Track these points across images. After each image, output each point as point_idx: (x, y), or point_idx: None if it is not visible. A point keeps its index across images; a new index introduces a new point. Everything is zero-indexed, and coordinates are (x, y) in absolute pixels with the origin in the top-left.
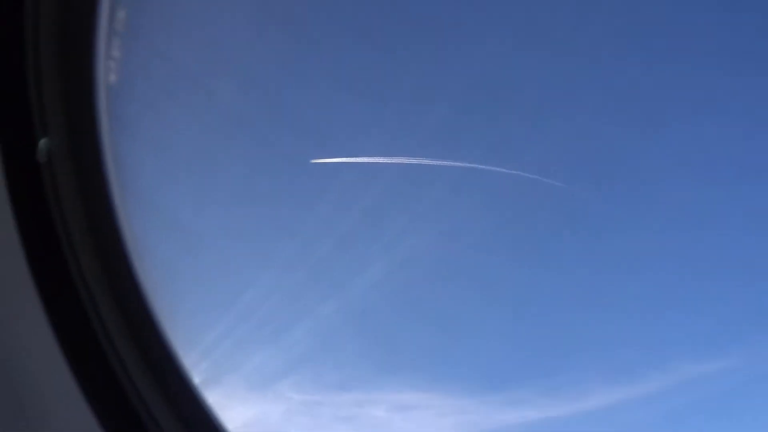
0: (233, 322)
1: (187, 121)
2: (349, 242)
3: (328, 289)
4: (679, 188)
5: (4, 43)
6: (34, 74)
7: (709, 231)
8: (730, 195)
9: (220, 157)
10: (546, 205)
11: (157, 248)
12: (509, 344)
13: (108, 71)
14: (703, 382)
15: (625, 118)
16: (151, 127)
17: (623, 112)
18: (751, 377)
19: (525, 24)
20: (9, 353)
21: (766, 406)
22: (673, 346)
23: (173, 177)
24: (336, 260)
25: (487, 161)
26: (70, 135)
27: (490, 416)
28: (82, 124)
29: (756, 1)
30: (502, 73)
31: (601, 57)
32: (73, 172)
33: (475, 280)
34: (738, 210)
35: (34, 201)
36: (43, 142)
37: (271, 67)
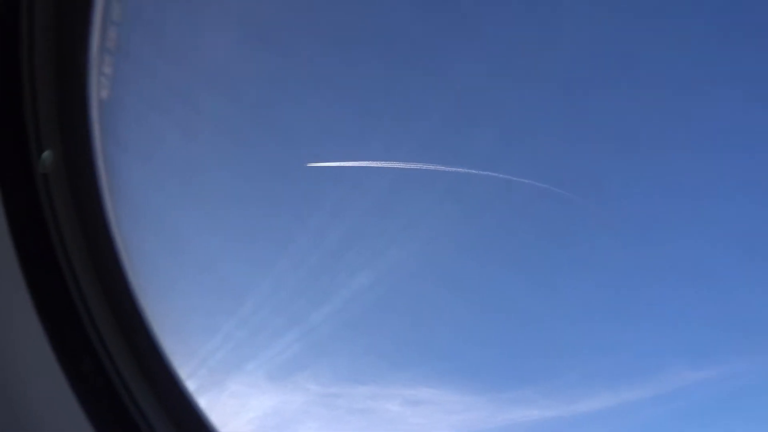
0: (248, 316)
1: (176, 134)
2: (359, 240)
3: (341, 284)
4: (679, 200)
5: (1, 59)
6: (30, 90)
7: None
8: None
9: (211, 167)
10: (554, 211)
11: (149, 253)
12: (517, 345)
13: (100, 87)
14: (699, 387)
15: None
16: (141, 139)
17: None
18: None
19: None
20: (3, 359)
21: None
22: (672, 352)
23: (164, 185)
24: (348, 256)
25: (497, 169)
26: (66, 147)
27: (496, 414)
28: (77, 137)
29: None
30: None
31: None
32: (68, 182)
33: (486, 282)
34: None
35: (29, 211)
36: (46, 154)
37: (259, 80)
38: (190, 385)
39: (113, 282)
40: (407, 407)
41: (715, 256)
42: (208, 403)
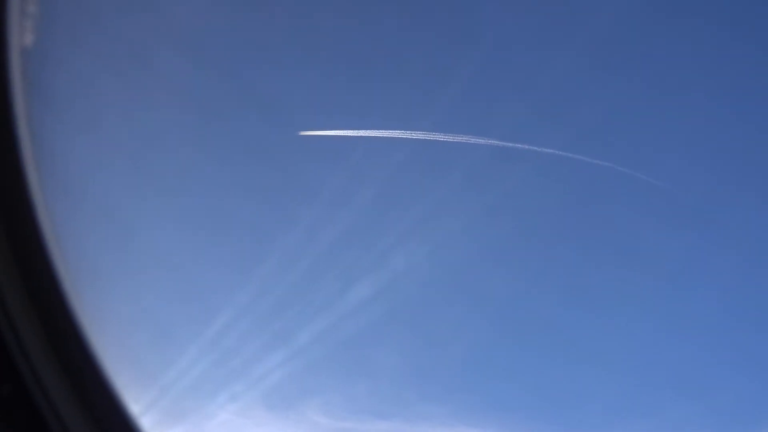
0: (229, 323)
1: (124, 95)
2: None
3: (356, 284)
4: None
5: None
6: None
7: None
8: None
9: (172, 141)
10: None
11: (91, 250)
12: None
13: (23, 31)
14: None
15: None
16: (77, 100)
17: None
18: None
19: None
20: None
21: None
22: None
23: (111, 162)
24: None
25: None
26: None
27: None
28: None
29: None
30: None
31: None
32: None
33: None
34: None
35: None
36: None
37: (238, 32)
38: (150, 413)
39: (42, 285)
40: None
41: None
42: None
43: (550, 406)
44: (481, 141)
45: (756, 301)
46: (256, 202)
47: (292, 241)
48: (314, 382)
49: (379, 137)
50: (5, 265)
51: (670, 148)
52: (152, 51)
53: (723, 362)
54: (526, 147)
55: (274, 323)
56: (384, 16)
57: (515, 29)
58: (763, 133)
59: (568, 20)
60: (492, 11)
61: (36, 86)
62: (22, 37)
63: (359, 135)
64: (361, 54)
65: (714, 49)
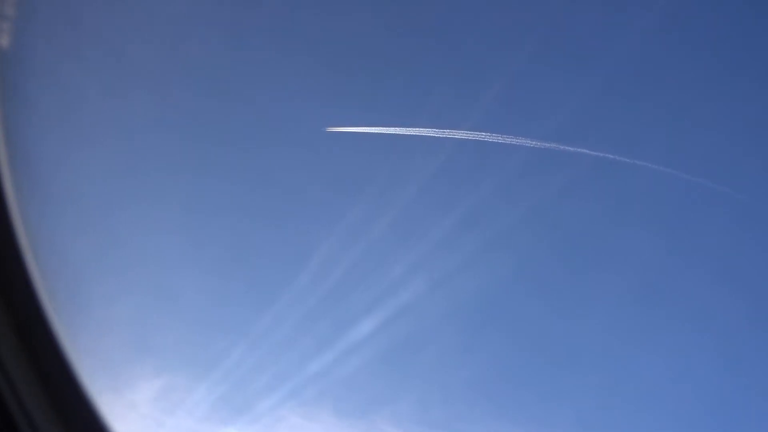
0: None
1: (100, 96)
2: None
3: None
4: None
5: None
6: None
7: None
8: None
9: (146, 140)
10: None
11: (74, 264)
12: None
13: (0, 33)
14: None
15: None
16: (54, 100)
17: None
18: None
19: None
20: None
21: None
22: None
23: (86, 168)
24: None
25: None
26: None
27: None
28: None
29: None
30: None
31: None
32: None
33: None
34: None
35: None
36: None
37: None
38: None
39: (19, 294)
40: None
41: None
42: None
43: None
44: (525, 142)
45: None
46: (281, 197)
47: (333, 243)
48: (385, 389)
49: (421, 135)
50: None
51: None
52: (137, 52)
53: None
54: (572, 149)
55: (343, 323)
56: (429, 14)
57: (561, 29)
58: None
59: (619, 18)
60: (540, 8)
61: (13, 88)
62: None
63: (397, 132)
64: (406, 51)
65: None
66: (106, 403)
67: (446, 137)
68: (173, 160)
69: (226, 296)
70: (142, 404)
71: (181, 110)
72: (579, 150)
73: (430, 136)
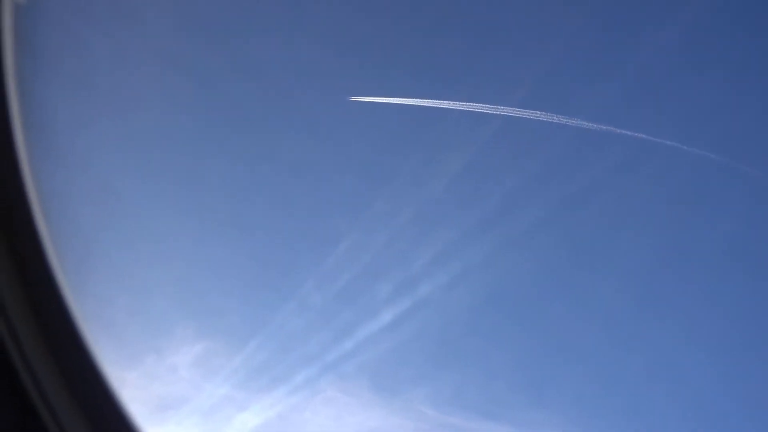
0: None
1: (117, 55)
2: None
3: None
4: None
5: None
6: None
7: None
8: None
9: (163, 106)
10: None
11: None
12: None
13: None
14: None
15: None
16: (70, 57)
17: None
18: None
19: None
20: None
21: None
22: None
23: (99, 126)
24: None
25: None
26: None
27: None
28: None
29: None
30: None
31: None
32: None
33: None
34: None
35: None
36: None
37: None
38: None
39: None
40: None
41: None
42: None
43: None
44: (569, 121)
45: None
46: (320, 178)
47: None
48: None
49: (465, 110)
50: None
51: None
52: (153, 13)
53: None
54: (616, 130)
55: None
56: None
57: (608, 12)
58: None
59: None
60: None
61: (28, 42)
62: None
63: (442, 106)
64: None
65: None
66: (150, 365)
67: (492, 113)
68: (203, 125)
69: (268, 267)
70: (182, 368)
71: (201, 71)
72: (635, 134)
73: (473, 111)
